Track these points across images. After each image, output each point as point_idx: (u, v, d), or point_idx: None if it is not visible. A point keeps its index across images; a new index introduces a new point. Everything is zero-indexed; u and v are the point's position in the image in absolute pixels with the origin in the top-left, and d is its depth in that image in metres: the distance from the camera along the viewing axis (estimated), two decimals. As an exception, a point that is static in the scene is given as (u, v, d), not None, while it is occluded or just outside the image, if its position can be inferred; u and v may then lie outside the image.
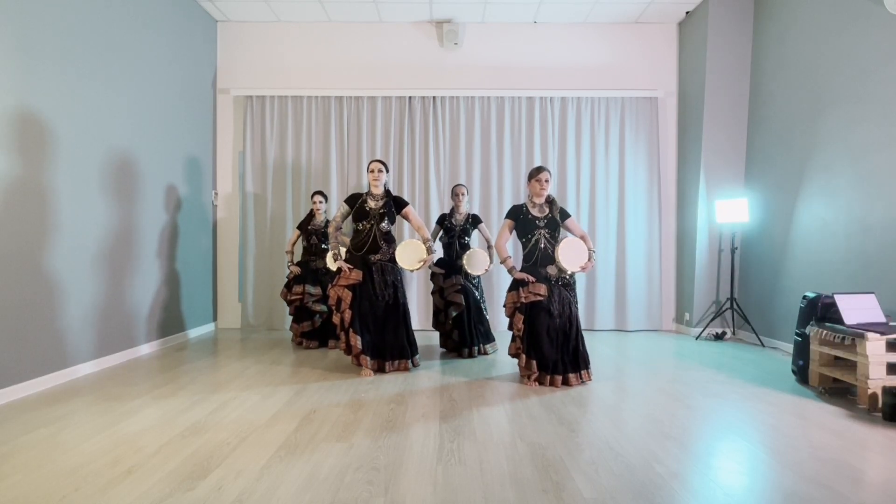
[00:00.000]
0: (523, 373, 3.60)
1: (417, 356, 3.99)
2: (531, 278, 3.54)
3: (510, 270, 3.63)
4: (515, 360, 3.86)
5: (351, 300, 3.73)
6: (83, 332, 3.78)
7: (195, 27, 5.40)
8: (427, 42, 5.87)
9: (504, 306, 3.69)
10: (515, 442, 2.50)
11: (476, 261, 4.41)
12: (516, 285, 3.60)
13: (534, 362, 3.53)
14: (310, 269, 4.82)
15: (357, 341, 3.70)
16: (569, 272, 3.57)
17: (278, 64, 5.85)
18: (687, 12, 5.63)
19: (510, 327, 3.66)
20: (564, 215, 3.71)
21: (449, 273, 4.45)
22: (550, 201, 3.72)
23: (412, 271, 4.08)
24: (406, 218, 3.97)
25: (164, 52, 4.81)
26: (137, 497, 1.93)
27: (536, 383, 3.53)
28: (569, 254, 3.55)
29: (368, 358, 3.75)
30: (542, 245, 3.60)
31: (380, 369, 3.82)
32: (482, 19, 5.78)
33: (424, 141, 5.82)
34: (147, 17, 4.55)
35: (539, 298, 3.50)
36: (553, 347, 3.53)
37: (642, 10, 5.54)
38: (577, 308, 3.65)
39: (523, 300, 3.52)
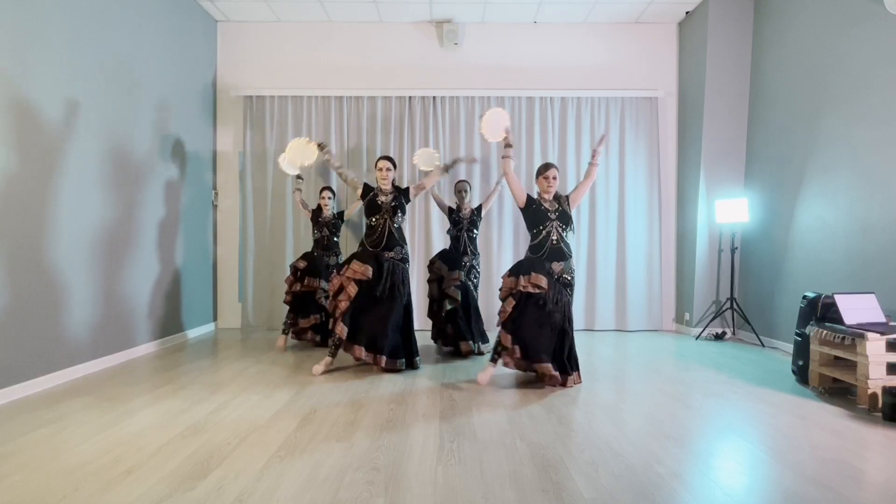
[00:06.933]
0: (506, 355, 3.44)
1: (418, 358, 3.97)
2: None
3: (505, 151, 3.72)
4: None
5: (355, 295, 3.72)
6: (83, 332, 3.78)
7: (195, 27, 5.40)
8: (427, 42, 5.87)
9: (500, 289, 3.59)
10: (515, 442, 2.50)
11: (426, 156, 4.75)
12: (516, 271, 3.51)
13: (517, 348, 3.41)
14: (323, 265, 4.77)
15: (343, 332, 3.70)
16: (495, 140, 3.74)
17: (278, 64, 5.84)
18: (687, 12, 5.63)
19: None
20: (567, 198, 3.67)
21: (452, 266, 4.45)
22: (558, 197, 3.68)
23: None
24: (419, 190, 4.12)
25: (164, 52, 4.81)
26: (137, 497, 1.93)
27: (511, 362, 3.42)
28: (490, 124, 3.73)
29: (363, 349, 3.72)
30: (554, 238, 3.54)
31: (374, 363, 3.77)
32: (482, 19, 5.77)
33: (424, 141, 5.81)
34: (147, 17, 4.55)
35: (538, 291, 3.41)
36: (537, 340, 3.41)
37: (642, 10, 5.54)
38: (571, 309, 3.58)
39: (521, 288, 3.42)
